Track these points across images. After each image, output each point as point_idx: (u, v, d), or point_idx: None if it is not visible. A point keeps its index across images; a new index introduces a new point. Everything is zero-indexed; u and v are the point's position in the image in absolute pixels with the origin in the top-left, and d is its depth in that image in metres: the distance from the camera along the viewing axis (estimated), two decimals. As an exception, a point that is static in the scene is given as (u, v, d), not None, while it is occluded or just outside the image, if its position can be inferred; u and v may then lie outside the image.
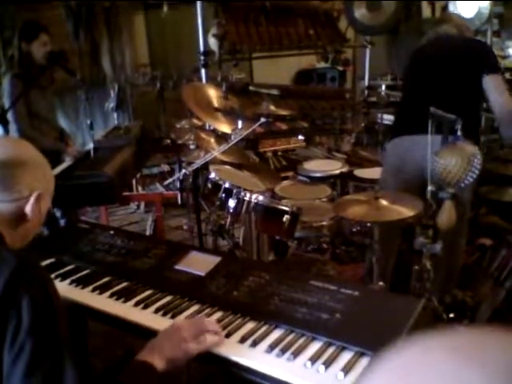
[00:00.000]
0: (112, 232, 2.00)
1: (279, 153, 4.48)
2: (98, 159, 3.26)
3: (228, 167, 2.79)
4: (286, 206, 2.35)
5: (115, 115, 5.22)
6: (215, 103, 3.11)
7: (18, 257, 1.13)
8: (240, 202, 2.33)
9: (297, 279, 1.58)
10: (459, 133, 2.06)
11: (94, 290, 1.64)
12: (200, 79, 4.33)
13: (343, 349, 1.29)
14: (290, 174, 3.75)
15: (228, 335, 1.36)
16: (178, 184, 4.43)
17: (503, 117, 2.60)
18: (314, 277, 1.67)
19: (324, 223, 2.91)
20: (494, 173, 3.47)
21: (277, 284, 1.55)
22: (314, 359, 1.25)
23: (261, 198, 2.34)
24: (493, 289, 2.78)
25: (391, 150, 2.85)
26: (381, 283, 2.46)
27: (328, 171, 3.50)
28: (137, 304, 1.54)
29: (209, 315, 1.46)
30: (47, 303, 1.08)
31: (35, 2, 5.24)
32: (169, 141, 4.66)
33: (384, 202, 2.30)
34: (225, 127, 2.99)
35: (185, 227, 4.06)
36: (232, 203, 2.34)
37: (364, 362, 1.24)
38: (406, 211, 2.22)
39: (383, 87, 5.64)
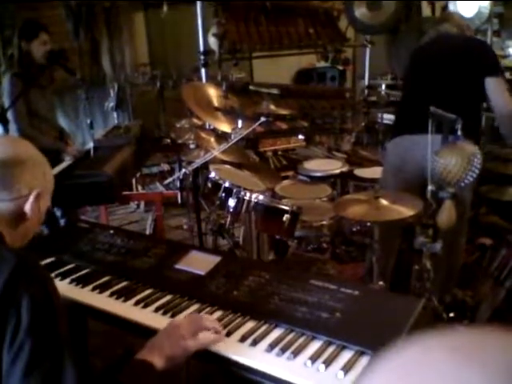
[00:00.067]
0: (112, 231, 2.00)
1: (279, 152, 4.48)
2: (98, 158, 3.26)
3: (228, 166, 2.79)
4: (286, 205, 2.35)
5: (115, 114, 5.22)
6: (215, 102, 3.11)
7: (18, 256, 1.13)
8: (240, 201, 2.33)
9: (297, 278, 1.58)
10: (459, 132, 2.06)
11: (93, 289, 1.64)
12: (200, 78, 4.33)
13: (343, 348, 1.29)
14: (290, 173, 3.75)
15: (228, 334, 1.36)
16: (177, 183, 4.43)
17: (503, 117, 2.61)
18: (314, 276, 1.67)
19: (324, 223, 2.91)
20: (494, 172, 3.47)
21: (277, 283, 1.55)
22: (314, 358, 1.25)
23: (261, 197, 2.34)
24: (493, 288, 2.78)
25: (391, 149, 2.85)
26: (381, 283, 2.46)
27: (328, 171, 3.50)
28: (137, 303, 1.54)
29: (209, 314, 1.46)
30: (47, 302, 1.08)
31: (35, 1, 5.24)
32: (169, 140, 4.65)
33: (384, 202, 2.30)
34: (225, 126, 2.99)
35: (185, 226, 4.06)
36: (232, 203, 2.34)
37: (364, 361, 1.24)
38: (406, 211, 2.22)
39: (383, 86, 5.63)
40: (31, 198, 1.25)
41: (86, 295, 1.62)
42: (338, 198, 2.98)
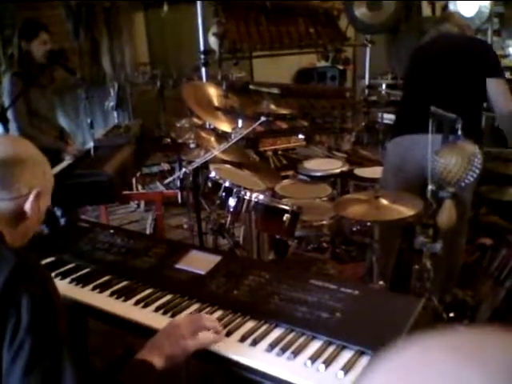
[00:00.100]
0: (112, 231, 2.00)
1: (279, 152, 4.48)
2: (98, 158, 3.26)
3: (228, 166, 2.79)
4: (286, 205, 2.35)
5: (115, 114, 5.23)
6: (215, 102, 3.11)
7: (18, 255, 1.13)
8: (240, 200, 2.33)
9: (297, 278, 1.58)
10: (459, 132, 2.06)
11: (94, 289, 1.64)
12: (200, 78, 4.34)
13: (343, 348, 1.29)
14: (290, 172, 3.75)
15: (228, 334, 1.36)
16: (178, 183, 4.43)
17: (504, 117, 2.62)
18: (314, 276, 1.67)
19: (324, 222, 2.91)
20: (494, 172, 3.47)
21: (277, 283, 1.55)
22: (314, 358, 1.25)
23: (261, 197, 2.34)
24: (493, 288, 2.78)
25: (392, 149, 2.85)
26: (381, 282, 2.46)
27: (328, 170, 3.50)
28: (137, 303, 1.54)
29: (209, 314, 1.46)
30: (47, 301, 1.08)
31: (35, 1, 5.24)
32: (169, 140, 4.65)
33: (384, 202, 2.30)
34: (225, 126, 2.99)
35: (185, 226, 4.06)
36: (232, 202, 2.34)
37: (364, 361, 1.24)
38: (406, 210, 2.22)
39: (383, 86, 5.63)
40: (31, 197, 1.25)
41: (86, 295, 1.62)
42: (338, 198, 2.98)
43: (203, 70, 4.22)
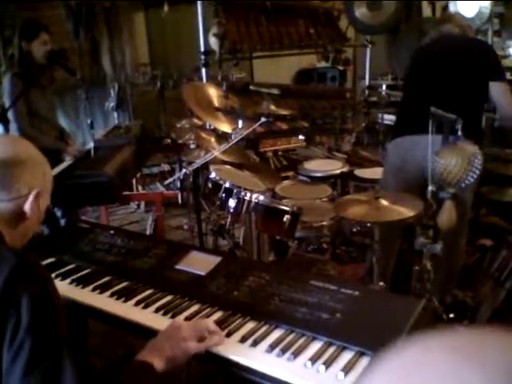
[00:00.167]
0: (112, 232, 2.00)
1: (280, 152, 4.48)
2: (99, 159, 3.26)
3: (228, 167, 2.79)
4: (286, 205, 2.35)
5: (115, 114, 5.22)
6: (216, 103, 3.11)
7: (18, 255, 1.13)
8: (240, 201, 2.33)
9: (297, 279, 1.58)
10: (460, 133, 2.06)
11: (94, 290, 1.64)
12: (200, 78, 4.34)
13: (343, 349, 1.29)
14: (290, 173, 3.75)
15: (228, 335, 1.36)
16: (178, 183, 4.43)
17: (507, 120, 2.65)
18: (314, 277, 1.67)
19: (324, 223, 2.91)
20: (494, 173, 3.47)
21: (277, 284, 1.55)
22: (314, 359, 1.25)
23: (261, 197, 2.34)
24: (493, 289, 2.78)
25: (392, 149, 2.85)
26: (381, 283, 2.46)
27: (328, 171, 3.50)
28: (137, 303, 1.54)
29: (209, 315, 1.46)
30: (47, 302, 1.08)
31: (35, 1, 5.24)
32: (169, 140, 4.65)
33: (384, 202, 2.30)
34: (225, 127, 2.99)
35: (185, 227, 4.06)
36: (232, 203, 2.34)
37: (364, 361, 1.24)
38: (406, 211, 2.22)
39: (384, 87, 5.63)
40: (31, 198, 1.25)
41: (87, 295, 1.62)
42: (339, 199, 2.98)
43: (203, 70, 4.22)
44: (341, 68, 6.97)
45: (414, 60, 2.90)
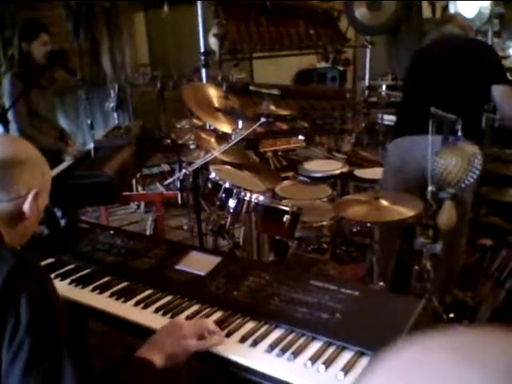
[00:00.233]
0: (112, 232, 2.00)
1: (279, 153, 4.49)
2: (99, 159, 3.26)
3: (228, 167, 2.79)
4: (286, 206, 2.35)
5: (115, 115, 5.22)
6: (215, 103, 3.11)
7: (17, 255, 1.13)
8: (240, 201, 2.33)
9: (297, 279, 1.58)
10: (459, 133, 2.06)
11: (94, 290, 1.64)
12: (200, 79, 4.34)
13: (343, 349, 1.29)
14: (290, 174, 3.75)
15: (228, 335, 1.36)
16: (178, 184, 4.43)
17: (508, 121, 2.67)
18: (314, 277, 1.67)
19: (324, 223, 2.91)
20: (494, 173, 3.47)
21: (277, 284, 1.55)
22: (314, 359, 1.25)
23: (261, 198, 2.34)
24: (493, 289, 2.78)
25: (392, 150, 2.85)
26: (381, 283, 2.46)
27: (328, 171, 3.51)
28: (137, 304, 1.54)
29: (209, 315, 1.46)
30: (46, 301, 1.08)
31: (35, 1, 5.25)
32: (169, 141, 4.65)
33: (384, 202, 2.30)
34: (225, 127, 2.99)
35: (185, 227, 4.06)
36: (232, 203, 2.34)
37: (364, 361, 1.24)
38: (406, 211, 2.22)
39: (384, 87, 5.63)
40: (30, 198, 1.25)
41: (86, 296, 1.62)
42: (338, 199, 2.98)
43: (203, 71, 4.22)
44: (341, 68, 6.97)
45: (415, 60, 2.90)
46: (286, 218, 2.26)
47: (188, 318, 1.45)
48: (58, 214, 3.38)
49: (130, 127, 4.03)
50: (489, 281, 2.83)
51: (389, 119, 4.91)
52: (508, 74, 2.85)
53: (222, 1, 4.52)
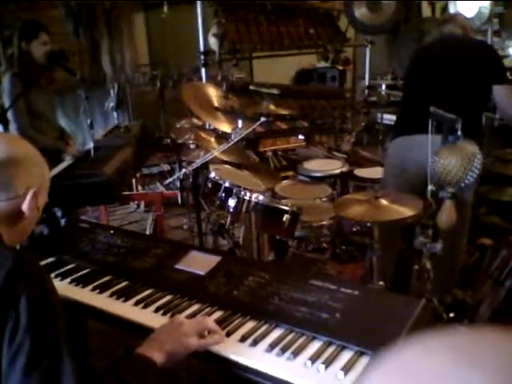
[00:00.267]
0: (112, 231, 2.00)
1: (279, 152, 4.49)
2: (98, 159, 3.26)
3: (228, 167, 2.79)
4: (286, 205, 2.35)
5: (115, 115, 5.22)
6: (215, 103, 3.11)
7: (16, 255, 1.13)
8: (240, 201, 2.33)
9: (297, 279, 1.57)
10: (459, 132, 2.06)
11: (94, 289, 1.64)
12: (200, 79, 4.34)
13: (343, 348, 1.29)
14: (290, 173, 3.76)
15: (228, 334, 1.35)
16: (178, 183, 4.43)
17: (509, 121, 2.68)
18: (314, 276, 1.66)
19: (324, 223, 2.91)
20: (493, 172, 3.47)
21: (277, 283, 1.55)
22: (314, 358, 1.25)
23: (261, 197, 2.34)
24: (493, 289, 2.78)
25: (392, 149, 2.85)
26: (381, 283, 2.46)
27: (328, 171, 3.51)
28: (137, 303, 1.54)
29: (209, 314, 1.46)
30: (45, 301, 1.08)
31: (35, 1, 5.24)
32: (169, 140, 4.66)
33: (384, 202, 2.30)
34: (225, 127, 2.99)
35: (185, 226, 4.06)
36: (232, 203, 2.34)
37: (364, 361, 1.24)
38: (405, 211, 2.22)
39: (383, 87, 5.64)
40: (28, 197, 1.25)
41: (86, 295, 1.62)
42: (338, 198, 2.98)
43: (203, 70, 4.23)
44: (340, 68, 6.97)
45: (415, 60, 2.90)
46: (285, 217, 2.26)
47: (188, 317, 1.45)
48: (58, 213, 3.38)
49: (130, 127, 4.03)
50: (489, 280, 2.83)
51: (389, 118, 4.91)
52: (508, 74, 2.85)
53: (221, 1, 4.52)
